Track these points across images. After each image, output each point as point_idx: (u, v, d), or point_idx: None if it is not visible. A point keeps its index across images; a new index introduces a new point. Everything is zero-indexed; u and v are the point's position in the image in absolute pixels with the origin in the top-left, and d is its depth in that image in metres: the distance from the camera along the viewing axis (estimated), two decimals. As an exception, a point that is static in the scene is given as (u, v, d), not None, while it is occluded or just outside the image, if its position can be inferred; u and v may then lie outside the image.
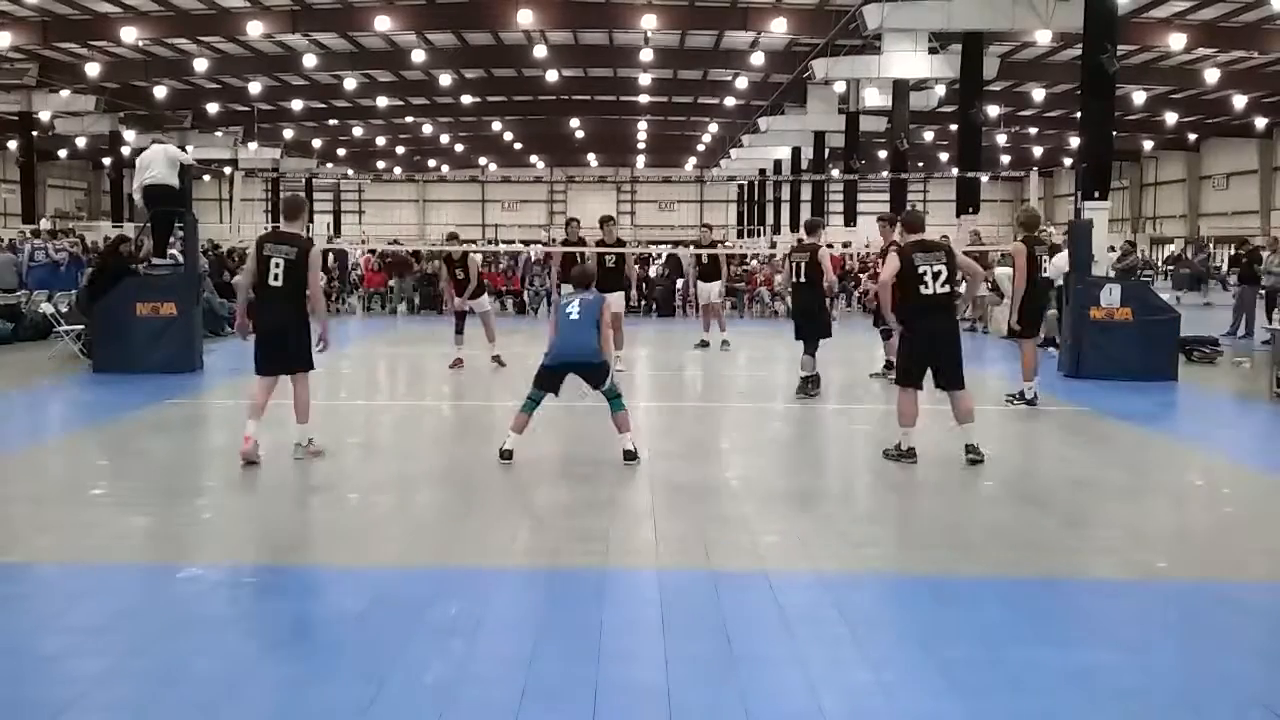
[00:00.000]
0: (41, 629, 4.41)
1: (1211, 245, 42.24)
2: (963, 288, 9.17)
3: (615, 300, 12.68)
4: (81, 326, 13.31)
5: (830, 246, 14.06)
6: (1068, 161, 45.51)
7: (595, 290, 8.02)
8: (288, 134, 45.68)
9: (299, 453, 7.52)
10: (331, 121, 44.67)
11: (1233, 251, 37.10)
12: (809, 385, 10.71)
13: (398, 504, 6.51)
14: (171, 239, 13.49)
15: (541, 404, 7.46)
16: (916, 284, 7.41)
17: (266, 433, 7.60)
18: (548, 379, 7.41)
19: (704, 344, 15.30)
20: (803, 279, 10.90)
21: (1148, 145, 47.26)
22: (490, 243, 43.84)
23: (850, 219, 34.69)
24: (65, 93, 32.96)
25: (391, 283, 24.22)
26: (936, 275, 7.39)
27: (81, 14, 26.75)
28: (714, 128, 45.05)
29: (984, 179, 25.29)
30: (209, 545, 5.65)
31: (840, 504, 6.73)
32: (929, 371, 7.58)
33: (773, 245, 37.75)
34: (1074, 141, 37.48)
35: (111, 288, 12.45)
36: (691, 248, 23.13)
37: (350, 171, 53.31)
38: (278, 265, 7.28)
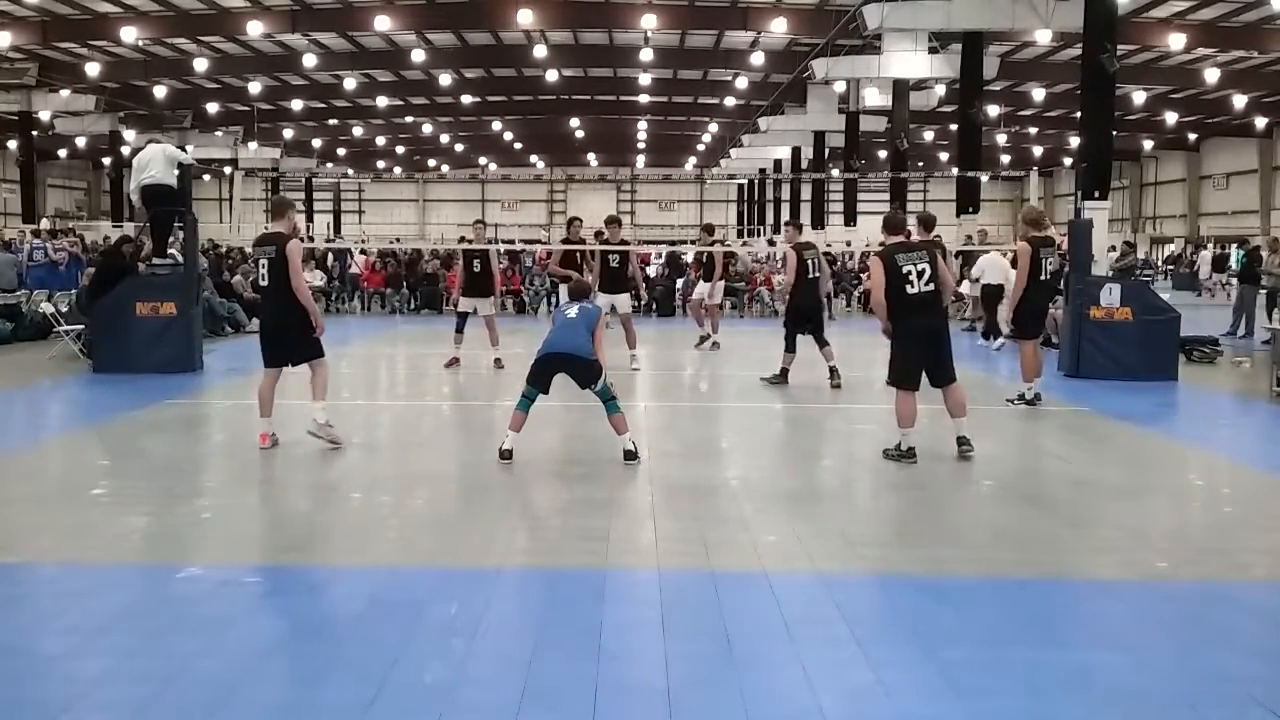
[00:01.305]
0: (41, 629, 4.41)
1: (1210, 245, 42.23)
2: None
3: (621, 302, 12.74)
4: (81, 326, 13.30)
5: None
6: (1068, 161, 45.50)
7: (593, 302, 8.08)
8: (288, 134, 45.68)
9: (312, 426, 7.70)
10: (331, 121, 44.67)
11: (1217, 251, 37.24)
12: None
13: (398, 504, 6.51)
14: (171, 239, 13.48)
15: (536, 401, 7.46)
16: (902, 284, 7.42)
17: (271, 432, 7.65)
18: (539, 373, 7.42)
19: (706, 342, 15.33)
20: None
21: (1148, 145, 47.24)
22: (490, 241, 43.87)
23: (850, 219, 34.72)
24: (65, 93, 32.96)
25: (388, 290, 24.24)
26: (921, 274, 7.41)
27: (81, 14, 26.75)
28: (714, 127, 45.05)
29: (984, 179, 25.26)
30: (209, 545, 5.65)
31: (840, 504, 6.72)
32: (924, 372, 7.61)
33: (771, 244, 37.79)
34: (1074, 141, 37.48)
35: (113, 288, 12.45)
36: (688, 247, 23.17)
37: (350, 171, 53.30)
38: (263, 266, 7.73)
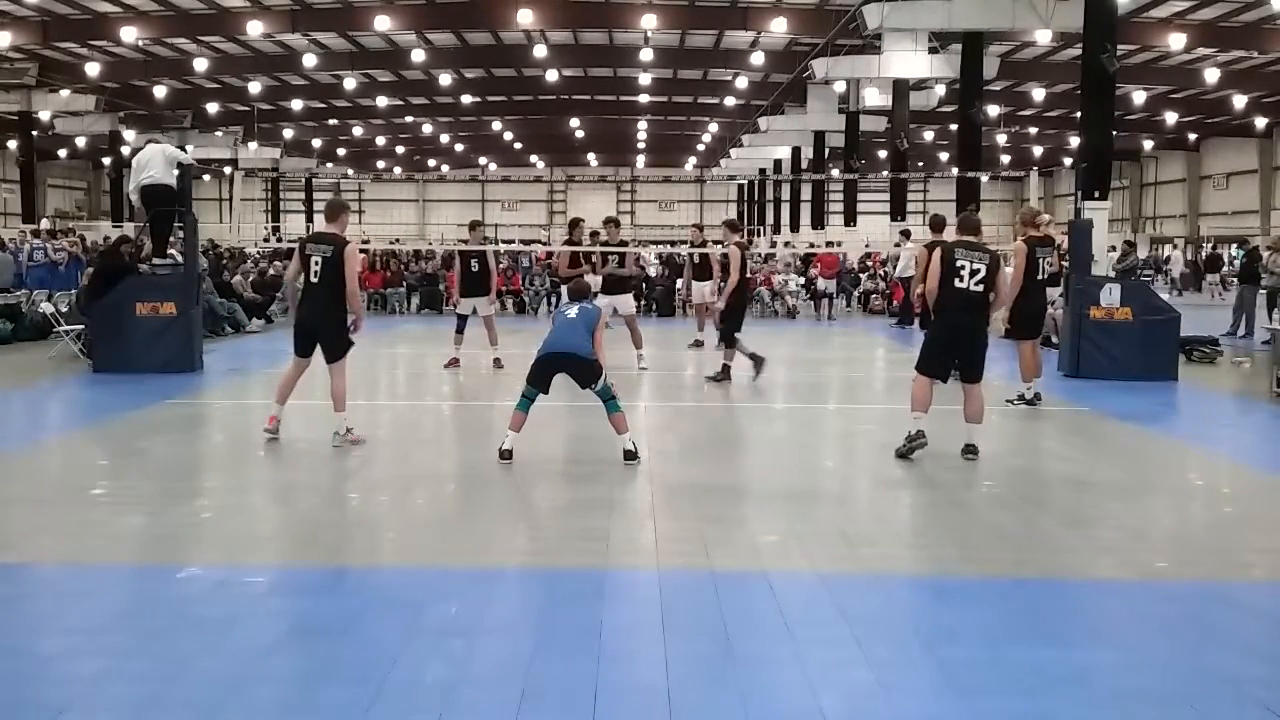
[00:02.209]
0: (41, 629, 4.41)
1: (1177, 245, 42.17)
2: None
3: (624, 303, 12.76)
4: (81, 326, 13.29)
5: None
6: (1068, 161, 45.47)
7: (593, 303, 8.07)
8: (288, 134, 45.68)
9: (336, 440, 7.83)
10: (331, 121, 44.68)
11: (1188, 255, 37.34)
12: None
13: (398, 504, 6.50)
14: (171, 239, 13.48)
15: (536, 401, 7.46)
16: (952, 277, 7.46)
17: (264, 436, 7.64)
18: (539, 373, 7.42)
19: (698, 344, 15.30)
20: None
21: (1148, 145, 47.24)
22: (489, 241, 43.86)
23: (850, 219, 34.72)
24: (65, 93, 32.98)
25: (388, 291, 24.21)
26: (974, 273, 7.44)
27: (81, 14, 26.76)
28: (714, 127, 45.07)
29: (984, 179, 25.26)
30: (209, 545, 5.64)
31: (840, 504, 6.72)
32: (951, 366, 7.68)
33: (772, 245, 37.81)
34: (1074, 141, 37.48)
35: (112, 288, 12.45)
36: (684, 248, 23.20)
37: (350, 171, 53.29)
38: (316, 263, 7.80)
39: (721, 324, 11.66)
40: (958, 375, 7.92)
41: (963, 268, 7.44)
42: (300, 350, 8.05)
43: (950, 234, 9.15)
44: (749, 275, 11.84)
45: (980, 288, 7.48)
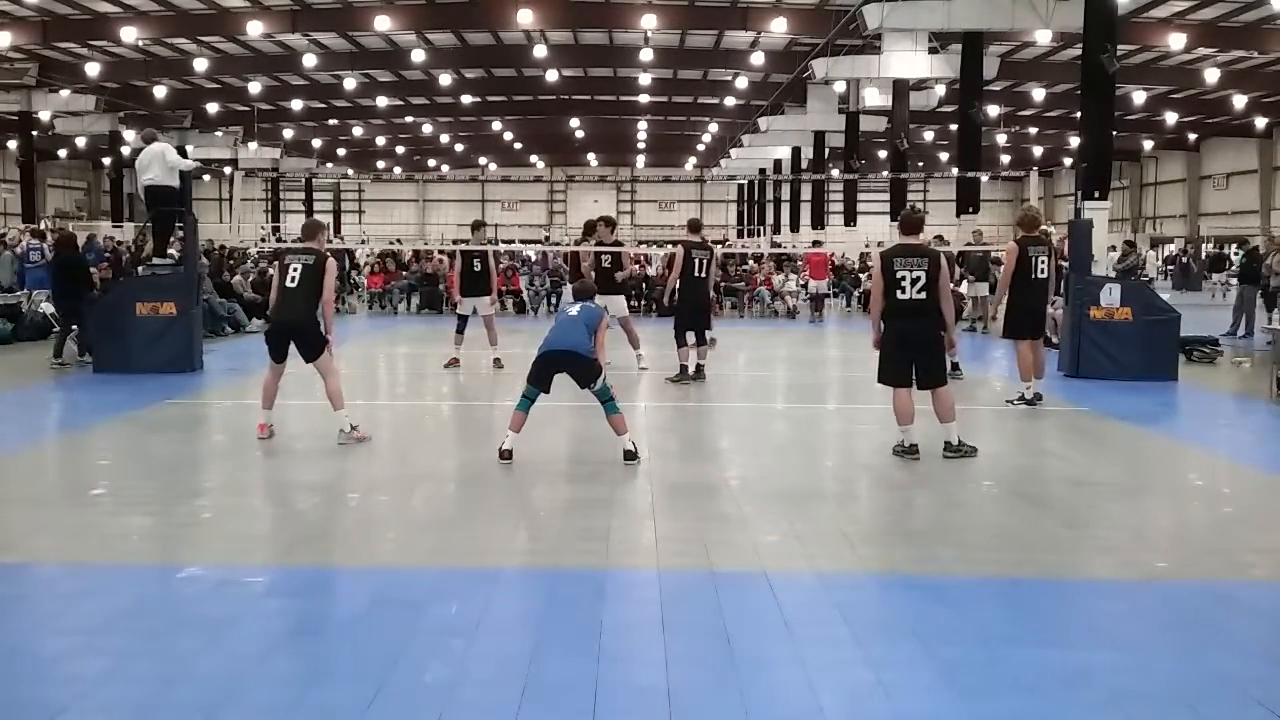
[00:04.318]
0: (41, 629, 4.41)
1: (1209, 245, 42.19)
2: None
3: (616, 304, 12.73)
4: (76, 328, 13.29)
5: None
6: (1068, 161, 45.47)
7: (596, 303, 8.08)
8: (288, 134, 45.69)
9: (342, 438, 7.90)
10: (331, 121, 44.68)
11: (1164, 252, 37.35)
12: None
13: (398, 504, 6.50)
14: (171, 239, 13.50)
15: (536, 401, 7.46)
16: (894, 288, 7.46)
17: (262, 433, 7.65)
18: (539, 372, 7.42)
19: (712, 342, 15.31)
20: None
21: (1148, 145, 47.24)
22: (490, 242, 43.81)
23: (850, 219, 34.72)
24: (65, 93, 32.98)
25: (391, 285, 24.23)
26: (915, 281, 7.42)
27: (81, 14, 26.78)
28: (714, 127, 45.07)
29: (984, 179, 25.27)
30: (209, 545, 5.64)
31: (840, 504, 6.72)
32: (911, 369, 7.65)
33: (774, 244, 37.81)
34: (1074, 141, 37.47)
35: (73, 281, 12.74)
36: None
37: (350, 171, 53.33)
38: (295, 269, 7.96)
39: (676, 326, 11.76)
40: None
41: (903, 278, 7.42)
42: (276, 355, 8.13)
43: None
44: (699, 275, 11.71)
45: (924, 295, 7.44)
